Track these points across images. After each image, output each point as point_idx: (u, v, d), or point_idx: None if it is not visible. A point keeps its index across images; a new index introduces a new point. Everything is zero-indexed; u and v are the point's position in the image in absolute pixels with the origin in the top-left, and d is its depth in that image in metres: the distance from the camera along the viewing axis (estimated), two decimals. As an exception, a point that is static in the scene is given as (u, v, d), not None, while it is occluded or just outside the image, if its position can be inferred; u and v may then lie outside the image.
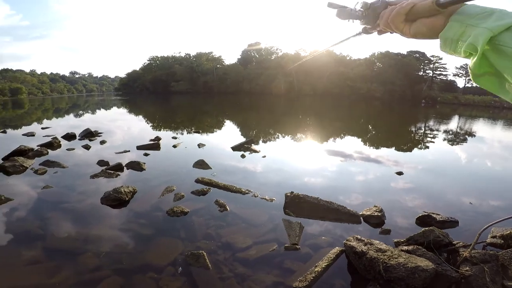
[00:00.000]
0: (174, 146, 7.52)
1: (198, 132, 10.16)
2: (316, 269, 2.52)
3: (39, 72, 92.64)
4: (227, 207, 3.75)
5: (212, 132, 10.97)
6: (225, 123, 14.36)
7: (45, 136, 8.70)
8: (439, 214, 3.58)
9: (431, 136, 12.10)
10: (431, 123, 17.85)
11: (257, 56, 64.13)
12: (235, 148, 7.22)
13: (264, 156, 6.59)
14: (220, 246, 2.90)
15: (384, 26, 0.61)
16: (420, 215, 3.59)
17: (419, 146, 9.62)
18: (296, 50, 63.51)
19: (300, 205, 3.75)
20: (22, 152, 6.36)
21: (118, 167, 5.51)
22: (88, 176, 5.05)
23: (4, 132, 10.05)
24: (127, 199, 3.97)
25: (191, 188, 4.38)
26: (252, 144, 7.58)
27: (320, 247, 2.96)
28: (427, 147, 9.42)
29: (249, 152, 6.96)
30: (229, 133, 10.64)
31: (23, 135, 9.14)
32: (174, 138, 8.67)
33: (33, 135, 9.03)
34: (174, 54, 72.07)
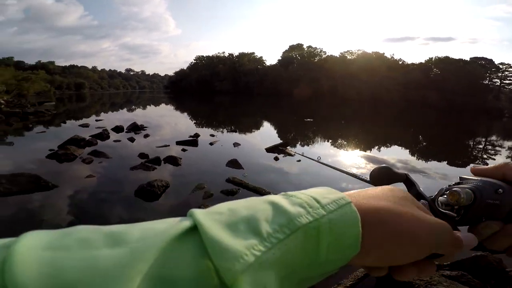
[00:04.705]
0: (211, 144, 7.63)
1: (235, 131, 10.24)
2: (338, 288, 2.25)
3: (99, 69, 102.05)
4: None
5: (249, 132, 10.98)
6: (263, 125, 14.30)
7: (98, 127, 9.48)
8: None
9: (492, 152, 10.63)
10: (493, 137, 15.77)
11: (299, 58, 63.15)
12: (269, 150, 7.07)
13: (299, 160, 6.33)
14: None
15: None
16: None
17: (476, 163, 8.49)
18: (341, 52, 61.45)
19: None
20: (75, 141, 6.97)
21: (156, 161, 5.71)
22: (128, 168, 5.30)
23: (64, 122, 11.25)
24: (159, 193, 4.05)
25: (221, 187, 4.33)
26: (288, 147, 7.35)
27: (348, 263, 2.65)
28: (486, 164, 8.24)
29: (283, 155, 6.75)
30: (266, 134, 10.55)
31: (79, 125, 10.10)
32: (212, 135, 8.82)
33: (87, 126, 9.92)
34: (218, 53, 74.17)
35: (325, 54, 62.41)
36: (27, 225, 3.24)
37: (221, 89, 61.26)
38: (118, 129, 9.13)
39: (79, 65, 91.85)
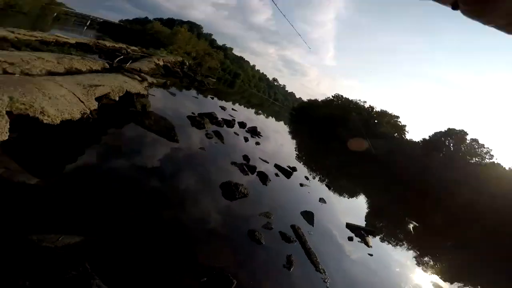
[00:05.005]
0: (301, 185, 7.80)
1: (329, 188, 10.00)
2: None
3: (256, 69, 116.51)
4: (292, 267, 3.67)
5: (340, 195, 10.58)
6: (359, 195, 13.43)
7: (230, 115, 11.25)
8: None
9: None
10: None
11: (451, 148, 52.45)
12: (349, 226, 6.68)
13: (371, 255, 5.80)
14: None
15: None
16: None
17: None
18: (513, 167, 47.15)
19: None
20: (210, 116, 8.58)
21: (252, 169, 6.43)
22: (230, 160, 6.21)
23: (212, 98, 13.84)
24: (237, 197, 4.65)
25: (283, 227, 4.56)
26: (370, 236, 6.73)
27: None
28: None
29: (359, 239, 6.29)
30: (356, 207, 9.94)
31: (219, 106, 12.23)
32: (306, 178, 8.96)
33: (224, 110, 11.92)
34: (358, 100, 71.33)
35: (491, 158, 48.63)
36: (143, 158, 4.39)
37: (343, 137, 59.49)
38: (242, 124, 10.58)
39: (245, 59, 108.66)
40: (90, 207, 2.78)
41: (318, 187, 9.08)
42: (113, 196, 3.13)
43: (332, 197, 9.02)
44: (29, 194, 2.55)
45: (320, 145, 28.48)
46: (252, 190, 5.32)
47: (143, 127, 5.46)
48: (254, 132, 10.54)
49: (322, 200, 7.53)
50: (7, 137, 2.43)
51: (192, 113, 8.19)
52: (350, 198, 11.21)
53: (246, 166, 6.41)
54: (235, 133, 8.90)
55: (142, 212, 3.15)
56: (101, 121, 4.15)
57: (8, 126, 2.35)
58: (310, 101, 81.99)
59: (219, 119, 8.98)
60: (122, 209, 3.01)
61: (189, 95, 11.89)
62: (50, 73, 3.95)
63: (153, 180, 3.88)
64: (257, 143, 9.40)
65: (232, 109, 13.93)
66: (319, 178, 10.92)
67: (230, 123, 9.48)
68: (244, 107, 21.03)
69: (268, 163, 7.81)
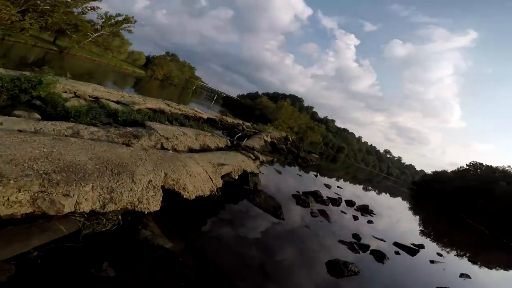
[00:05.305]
0: (432, 262, 6.50)
1: (474, 262, 7.85)
2: None
3: (362, 141, 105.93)
4: None
5: (500, 268, 7.98)
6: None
7: (335, 193, 10.90)
8: None
9: None
10: None
11: None
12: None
13: None
14: None
15: None
16: None
17: None
18: None
19: None
20: (315, 194, 8.59)
21: (364, 248, 5.77)
22: (337, 239, 5.81)
23: (316, 176, 13.99)
24: (345, 274, 4.19)
25: None
26: None
27: None
28: None
29: None
30: None
31: (323, 183, 12.14)
32: (439, 255, 7.33)
33: (329, 188, 11.70)
34: (507, 167, 55.25)
35: None
36: (251, 231, 4.66)
37: (485, 210, 45.72)
38: (350, 203, 9.96)
39: (349, 130, 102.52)
40: (205, 271, 3.15)
41: (456, 263, 7.54)
42: (225, 263, 3.44)
43: (479, 272, 7.40)
44: (164, 256, 3.14)
45: (454, 220, 22.76)
46: (365, 268, 4.71)
47: (254, 204, 6.00)
48: (365, 210, 9.68)
49: (464, 275, 6.21)
50: (159, 208, 3.26)
51: (297, 191, 8.42)
52: (507, 271, 8.36)
53: (357, 245, 5.82)
54: (342, 211, 8.44)
55: (248, 282, 3.28)
56: (222, 197, 4.90)
57: (161, 199, 3.20)
58: (436, 173, 69.76)
59: (324, 197, 8.83)
60: (231, 276, 3.23)
61: (293, 172, 12.45)
62: (190, 149, 5.16)
63: (260, 253, 4.06)
64: (370, 222, 8.50)
65: (338, 186, 13.48)
66: (457, 253, 8.67)
67: (336, 202, 9.14)
68: (350, 183, 19.97)
69: (384, 241, 6.85)
